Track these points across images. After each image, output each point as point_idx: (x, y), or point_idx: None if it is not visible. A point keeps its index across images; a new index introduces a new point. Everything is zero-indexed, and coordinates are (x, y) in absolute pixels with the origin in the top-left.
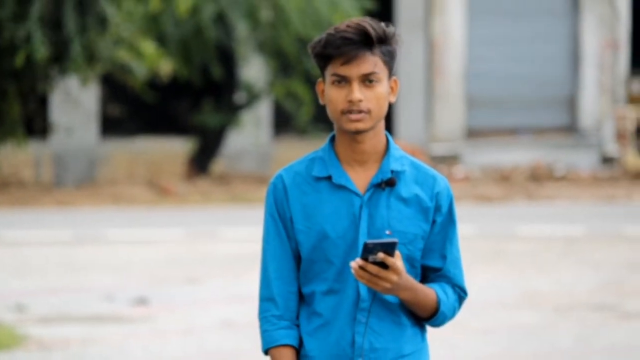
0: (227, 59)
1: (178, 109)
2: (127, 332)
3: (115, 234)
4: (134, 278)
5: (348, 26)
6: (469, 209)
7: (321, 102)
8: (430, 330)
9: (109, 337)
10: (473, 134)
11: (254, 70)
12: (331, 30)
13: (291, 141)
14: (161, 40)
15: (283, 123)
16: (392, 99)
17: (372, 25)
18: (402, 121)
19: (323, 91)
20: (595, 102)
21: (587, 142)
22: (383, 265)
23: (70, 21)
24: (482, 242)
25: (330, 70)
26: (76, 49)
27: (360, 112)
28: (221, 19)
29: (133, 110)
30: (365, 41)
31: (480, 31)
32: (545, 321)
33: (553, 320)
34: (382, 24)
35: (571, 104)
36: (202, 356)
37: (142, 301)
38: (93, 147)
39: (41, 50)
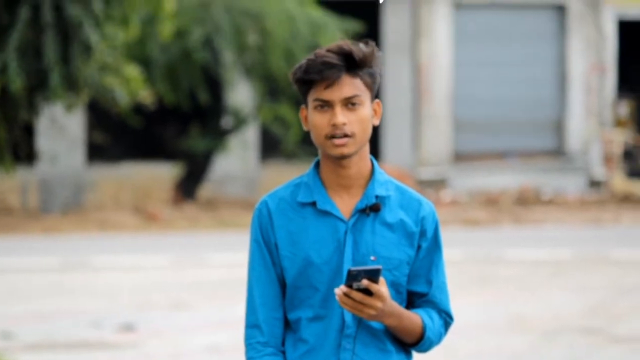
0: (214, 83)
1: (164, 134)
2: (114, 358)
3: (102, 260)
4: (120, 304)
5: (328, 50)
6: (456, 232)
7: (305, 128)
8: (420, 355)
9: None
10: (460, 157)
11: (241, 94)
12: (311, 56)
13: (279, 166)
14: (147, 65)
15: (270, 147)
16: (376, 122)
17: (352, 48)
18: (389, 145)
19: (306, 117)
20: (582, 126)
21: (575, 166)
22: (367, 292)
23: (50, 50)
24: (470, 266)
25: (312, 96)
26: (56, 78)
27: (344, 136)
28: (208, 44)
29: (119, 135)
30: (346, 64)
31: (467, 54)
32: (533, 345)
33: (541, 344)
34: (362, 46)
35: (558, 127)
36: None
37: (128, 327)
38: (79, 173)
39: (17, 81)
